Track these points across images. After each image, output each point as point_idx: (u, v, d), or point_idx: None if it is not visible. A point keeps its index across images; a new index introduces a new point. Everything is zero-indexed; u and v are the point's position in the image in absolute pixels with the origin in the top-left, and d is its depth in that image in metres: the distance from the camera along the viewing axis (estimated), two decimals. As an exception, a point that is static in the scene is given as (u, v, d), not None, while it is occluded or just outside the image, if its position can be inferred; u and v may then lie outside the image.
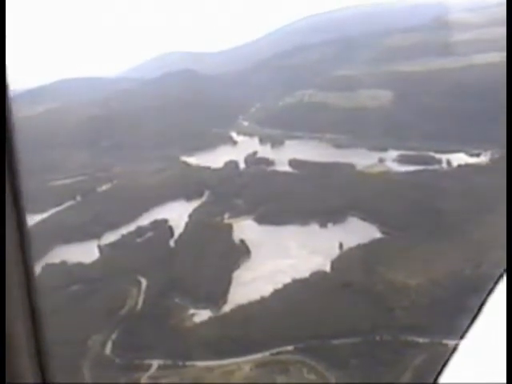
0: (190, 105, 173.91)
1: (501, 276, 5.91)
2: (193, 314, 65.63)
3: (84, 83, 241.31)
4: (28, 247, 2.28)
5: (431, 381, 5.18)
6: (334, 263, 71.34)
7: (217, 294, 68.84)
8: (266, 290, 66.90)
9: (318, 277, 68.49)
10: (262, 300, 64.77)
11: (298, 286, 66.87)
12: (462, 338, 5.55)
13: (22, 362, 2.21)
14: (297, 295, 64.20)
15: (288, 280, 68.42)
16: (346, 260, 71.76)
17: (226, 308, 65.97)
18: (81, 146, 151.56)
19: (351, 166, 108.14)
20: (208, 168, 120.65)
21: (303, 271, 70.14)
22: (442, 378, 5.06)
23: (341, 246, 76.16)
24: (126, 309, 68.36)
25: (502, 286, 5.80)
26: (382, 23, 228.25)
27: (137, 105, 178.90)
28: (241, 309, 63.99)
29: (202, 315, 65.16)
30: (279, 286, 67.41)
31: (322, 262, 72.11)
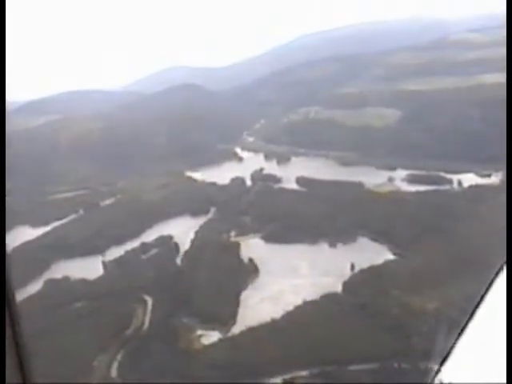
0: (194, 120, 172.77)
1: (500, 269, 6.10)
2: (201, 335, 63.26)
3: (86, 96, 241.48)
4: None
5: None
6: (346, 285, 69.19)
7: (225, 314, 66.58)
8: (276, 311, 64.80)
9: (329, 299, 66.33)
10: (273, 322, 62.46)
11: (309, 307, 64.65)
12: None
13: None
14: (309, 318, 62.01)
15: (299, 301, 66.37)
16: (358, 282, 69.63)
17: (236, 329, 63.63)
18: (83, 159, 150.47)
19: (360, 185, 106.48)
20: (214, 184, 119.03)
21: (314, 292, 68.08)
22: (442, 376, 5.05)
23: (352, 266, 74.17)
24: (132, 328, 66.04)
25: (502, 281, 5.91)
26: (386, 41, 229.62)
27: (139, 119, 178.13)
28: (251, 331, 61.62)
29: (211, 337, 62.82)
30: (290, 307, 65.27)
31: (333, 283, 69.99)
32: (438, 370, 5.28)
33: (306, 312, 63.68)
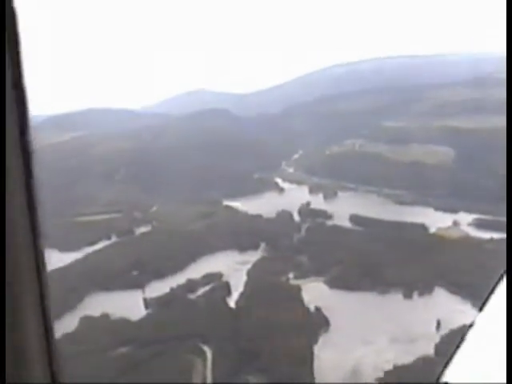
0: (226, 146, 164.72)
1: (501, 277, 5.90)
2: (277, 402, 53.57)
3: (110, 114, 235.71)
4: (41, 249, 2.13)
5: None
6: (439, 347, 59.46)
7: (300, 374, 56.85)
8: (365, 377, 55.20)
9: (424, 363, 56.43)
10: (365, 391, 52.76)
11: (404, 374, 54.82)
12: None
13: (33, 365, 2.20)
14: (407, 388, 52.30)
15: (388, 365, 56.76)
16: (452, 344, 59.72)
17: (317, 396, 53.96)
18: (110, 179, 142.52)
19: (423, 228, 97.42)
20: (259, 216, 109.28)
21: (403, 354, 58.54)
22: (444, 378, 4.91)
23: (438, 324, 64.68)
24: (193, 386, 56.28)
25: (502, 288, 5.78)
26: (426, 75, 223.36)
27: (169, 141, 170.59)
28: (339, 400, 51.90)
29: (290, 404, 53.11)
30: (379, 373, 55.74)
31: (422, 344, 60.62)
32: (442, 372, 4.89)
33: (402, 380, 53.80)
